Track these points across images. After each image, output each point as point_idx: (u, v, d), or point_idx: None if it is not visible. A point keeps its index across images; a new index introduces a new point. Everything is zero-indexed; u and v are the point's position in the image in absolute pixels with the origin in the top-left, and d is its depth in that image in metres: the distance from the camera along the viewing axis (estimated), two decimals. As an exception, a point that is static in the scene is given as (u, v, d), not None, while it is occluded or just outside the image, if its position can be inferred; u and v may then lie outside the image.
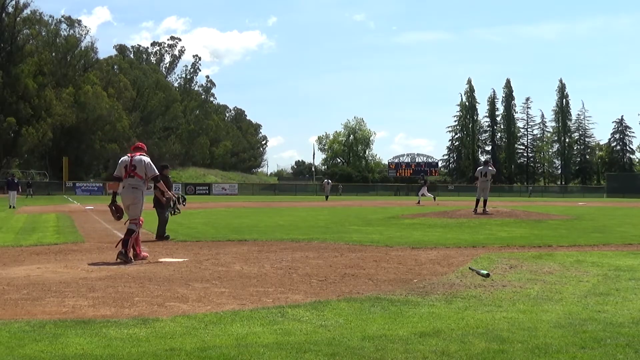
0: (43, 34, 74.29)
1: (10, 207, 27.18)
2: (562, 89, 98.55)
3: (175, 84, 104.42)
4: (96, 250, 10.09)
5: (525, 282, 6.65)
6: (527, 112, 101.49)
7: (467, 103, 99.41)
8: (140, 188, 8.97)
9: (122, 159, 9.22)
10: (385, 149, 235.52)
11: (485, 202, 19.10)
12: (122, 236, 8.82)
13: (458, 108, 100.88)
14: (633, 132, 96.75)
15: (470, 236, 12.60)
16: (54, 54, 75.77)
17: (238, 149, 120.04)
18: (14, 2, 68.66)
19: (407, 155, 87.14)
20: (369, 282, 6.75)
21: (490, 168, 19.75)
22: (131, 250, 8.66)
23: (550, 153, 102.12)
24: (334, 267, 8.00)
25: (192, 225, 16.08)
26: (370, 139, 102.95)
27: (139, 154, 9.13)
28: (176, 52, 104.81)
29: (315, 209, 28.79)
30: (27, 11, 69.95)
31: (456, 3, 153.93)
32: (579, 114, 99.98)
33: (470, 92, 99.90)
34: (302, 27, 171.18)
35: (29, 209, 23.85)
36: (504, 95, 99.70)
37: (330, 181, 51.92)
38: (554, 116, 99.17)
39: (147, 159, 9.07)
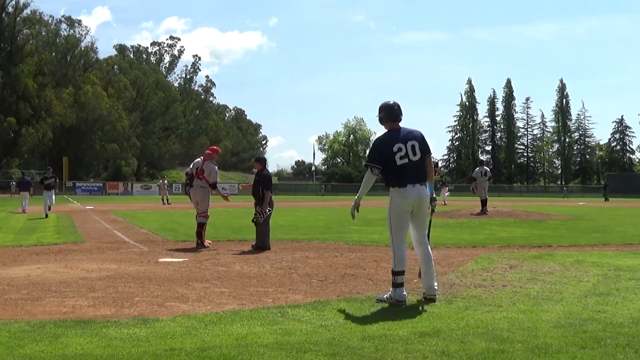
0: (43, 34, 74.35)
1: (23, 211, 22.77)
2: (562, 89, 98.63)
3: (175, 84, 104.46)
4: (96, 250, 10.08)
5: (525, 282, 6.65)
6: (527, 112, 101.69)
7: (467, 103, 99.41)
8: (206, 188, 10.67)
9: (197, 159, 10.89)
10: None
11: (485, 202, 19.13)
12: (197, 229, 10.59)
13: (458, 108, 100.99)
14: (633, 132, 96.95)
15: (470, 236, 12.60)
16: (54, 54, 75.82)
17: (238, 149, 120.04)
18: (14, 2, 68.73)
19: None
20: (369, 282, 6.75)
21: (485, 167, 20.22)
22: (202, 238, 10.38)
23: (550, 153, 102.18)
24: (334, 267, 8.00)
25: (192, 225, 16.02)
26: (370, 139, 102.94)
27: (211, 160, 10.69)
28: (176, 52, 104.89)
29: (315, 209, 28.78)
30: (27, 11, 70.12)
31: (456, 3, 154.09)
32: (579, 114, 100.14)
33: (470, 92, 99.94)
34: (303, 28, 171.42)
35: (29, 208, 23.76)
36: (504, 95, 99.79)
37: None
38: (554, 116, 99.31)
39: (215, 167, 10.67)
